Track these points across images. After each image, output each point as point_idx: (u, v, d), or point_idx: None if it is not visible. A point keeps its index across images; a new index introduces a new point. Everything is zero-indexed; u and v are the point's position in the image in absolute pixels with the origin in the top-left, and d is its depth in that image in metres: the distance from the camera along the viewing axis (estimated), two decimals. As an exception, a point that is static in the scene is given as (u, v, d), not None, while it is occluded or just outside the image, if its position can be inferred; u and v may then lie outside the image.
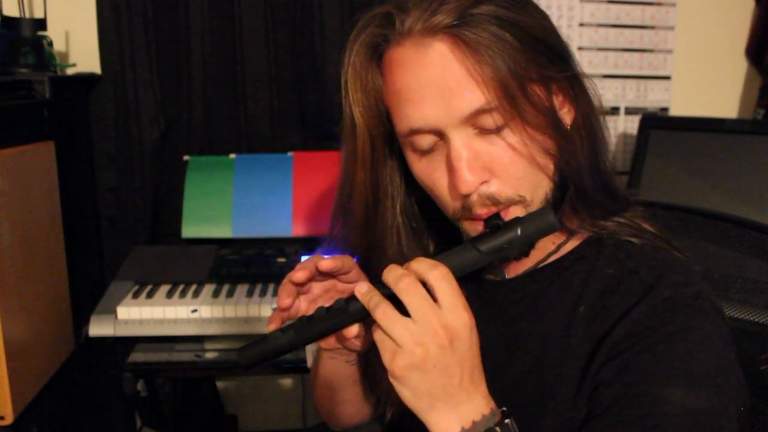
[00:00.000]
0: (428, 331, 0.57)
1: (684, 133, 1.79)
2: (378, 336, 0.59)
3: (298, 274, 0.71)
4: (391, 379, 0.59)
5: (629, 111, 2.05)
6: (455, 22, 0.63)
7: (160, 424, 1.60)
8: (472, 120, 0.65)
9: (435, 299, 0.58)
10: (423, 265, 0.60)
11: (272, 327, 0.71)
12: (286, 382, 2.06)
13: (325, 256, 0.74)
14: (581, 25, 1.99)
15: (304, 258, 1.56)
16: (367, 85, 0.71)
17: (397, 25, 0.66)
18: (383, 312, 0.59)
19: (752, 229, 0.90)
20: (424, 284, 0.59)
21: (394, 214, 0.77)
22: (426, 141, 0.68)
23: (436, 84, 0.64)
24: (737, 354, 0.65)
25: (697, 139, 1.76)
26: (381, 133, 0.73)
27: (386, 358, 0.58)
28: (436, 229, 0.80)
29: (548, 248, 0.74)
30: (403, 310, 0.59)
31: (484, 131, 0.65)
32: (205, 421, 1.94)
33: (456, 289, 0.59)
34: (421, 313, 0.57)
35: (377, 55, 0.70)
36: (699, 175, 1.74)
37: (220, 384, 2.02)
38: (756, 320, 0.88)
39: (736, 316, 0.89)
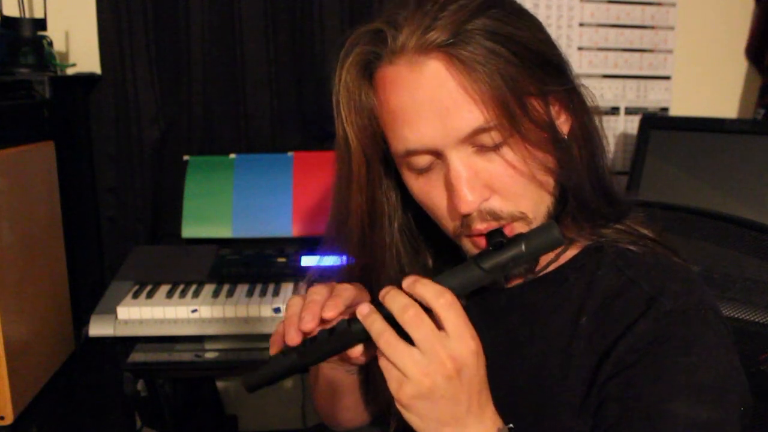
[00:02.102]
0: (435, 362, 0.56)
1: (684, 133, 1.79)
2: (383, 363, 0.58)
3: (308, 326, 0.65)
4: (398, 406, 0.58)
5: (629, 111, 2.05)
6: (450, 40, 0.61)
7: (160, 424, 1.60)
8: (471, 139, 0.63)
9: (440, 326, 0.57)
10: (429, 292, 0.58)
11: (274, 350, 0.68)
12: (286, 382, 2.06)
13: (326, 284, 0.70)
14: (581, 25, 1.99)
15: (304, 258, 1.57)
16: (361, 105, 0.69)
17: (389, 43, 0.64)
18: (387, 342, 0.58)
19: (752, 229, 0.90)
20: (428, 309, 0.58)
21: (392, 232, 0.76)
22: (423, 161, 0.66)
23: (432, 104, 0.62)
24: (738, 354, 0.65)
25: (697, 139, 1.76)
26: (376, 152, 0.71)
27: (393, 386, 0.58)
28: (435, 245, 0.79)
29: (547, 257, 0.73)
30: (406, 334, 0.58)
31: (482, 149, 0.64)
32: (205, 421, 1.94)
33: (463, 318, 0.58)
34: (428, 345, 0.56)
35: (369, 73, 0.68)
36: (699, 175, 1.74)
37: (220, 384, 2.02)
38: (756, 320, 0.88)
39: (736, 316, 0.89)
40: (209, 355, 1.41)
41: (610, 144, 2.03)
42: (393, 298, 0.59)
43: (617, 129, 2.06)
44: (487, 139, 0.63)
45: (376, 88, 0.68)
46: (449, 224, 0.69)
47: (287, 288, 1.47)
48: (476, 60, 0.61)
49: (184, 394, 1.84)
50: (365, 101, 0.68)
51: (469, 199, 0.64)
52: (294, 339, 0.65)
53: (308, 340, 0.66)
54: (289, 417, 2.03)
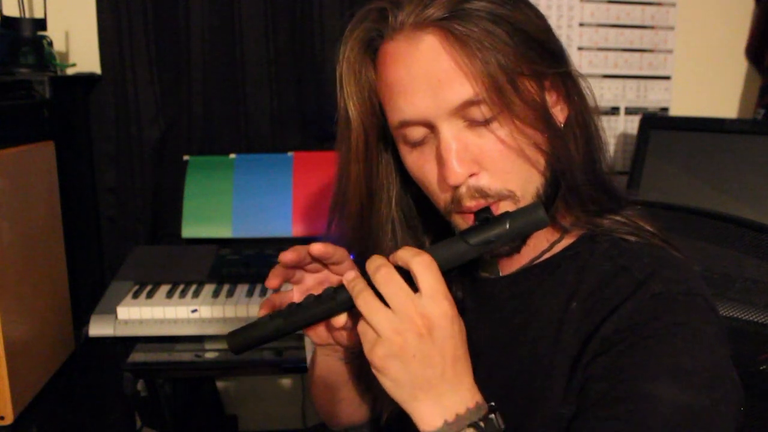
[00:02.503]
0: (405, 320, 0.57)
1: (684, 133, 1.79)
2: (361, 326, 0.60)
3: (288, 255, 0.72)
4: (373, 370, 0.59)
5: (629, 111, 2.05)
6: (446, 15, 0.64)
7: (160, 424, 1.60)
8: (461, 112, 0.65)
9: (417, 287, 0.59)
10: (407, 253, 0.60)
11: (262, 313, 0.71)
12: (286, 382, 2.06)
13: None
14: (581, 25, 1.99)
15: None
16: (361, 79, 0.72)
17: (390, 20, 0.67)
18: (364, 300, 0.59)
19: (752, 229, 0.90)
20: (408, 273, 0.60)
21: (389, 207, 0.78)
22: (417, 133, 0.68)
23: (426, 76, 0.65)
24: (736, 354, 0.65)
25: (697, 139, 1.77)
26: (374, 126, 0.73)
27: (367, 348, 0.59)
28: (433, 226, 0.80)
29: (542, 246, 0.74)
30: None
31: (473, 124, 0.66)
32: (205, 421, 1.95)
33: (438, 278, 0.59)
34: (398, 302, 0.58)
35: (372, 50, 0.71)
36: (699, 175, 1.74)
37: (220, 384, 2.02)
38: (756, 320, 0.88)
39: (736, 316, 0.89)
40: (209, 355, 1.41)
41: (610, 144, 2.04)
42: (371, 261, 0.61)
43: (617, 129, 2.06)
44: (477, 112, 0.65)
45: (377, 64, 0.70)
46: (440, 199, 0.71)
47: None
48: (471, 36, 0.63)
49: (184, 394, 1.84)
50: (365, 76, 0.72)
51: (458, 171, 0.66)
52: (271, 280, 0.71)
53: (295, 305, 0.69)
54: (289, 417, 2.04)
